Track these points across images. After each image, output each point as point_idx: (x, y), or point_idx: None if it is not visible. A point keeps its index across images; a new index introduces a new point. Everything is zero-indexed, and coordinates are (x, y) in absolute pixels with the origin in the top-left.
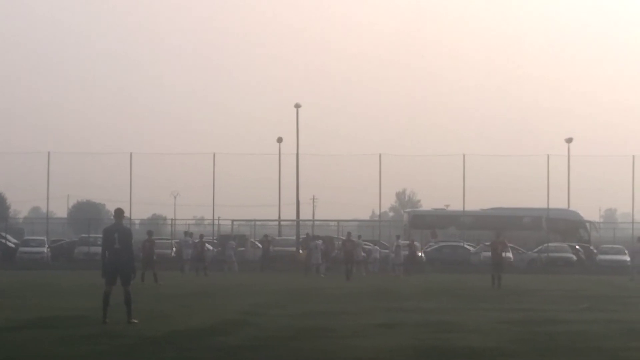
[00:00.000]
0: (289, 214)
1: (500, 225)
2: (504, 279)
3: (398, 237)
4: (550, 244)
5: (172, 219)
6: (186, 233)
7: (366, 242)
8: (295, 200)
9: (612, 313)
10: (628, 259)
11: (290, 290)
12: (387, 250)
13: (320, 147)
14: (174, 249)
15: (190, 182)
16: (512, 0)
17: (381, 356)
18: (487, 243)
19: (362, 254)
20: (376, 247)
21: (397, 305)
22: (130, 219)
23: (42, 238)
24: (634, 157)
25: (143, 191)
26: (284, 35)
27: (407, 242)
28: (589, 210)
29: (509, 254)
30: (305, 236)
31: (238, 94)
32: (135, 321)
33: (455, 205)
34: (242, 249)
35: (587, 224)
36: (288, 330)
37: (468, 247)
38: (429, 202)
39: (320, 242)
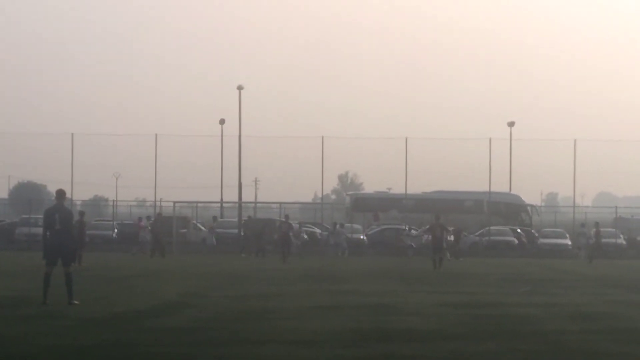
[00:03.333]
0: (231, 196)
1: (442, 208)
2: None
3: (337, 223)
4: (492, 228)
5: (113, 201)
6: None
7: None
8: (237, 182)
9: (553, 296)
10: (569, 242)
11: (231, 272)
12: (326, 233)
13: (263, 129)
14: (116, 230)
15: (132, 163)
16: None
17: (320, 338)
18: (427, 226)
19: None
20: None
21: (337, 287)
22: (71, 200)
23: None
24: (575, 141)
25: (85, 172)
26: (227, 17)
27: (452, 228)
28: (530, 194)
29: (450, 237)
30: (247, 219)
31: (180, 75)
32: (76, 302)
33: (398, 189)
34: (184, 230)
35: (529, 208)
36: (228, 312)
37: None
38: (371, 185)
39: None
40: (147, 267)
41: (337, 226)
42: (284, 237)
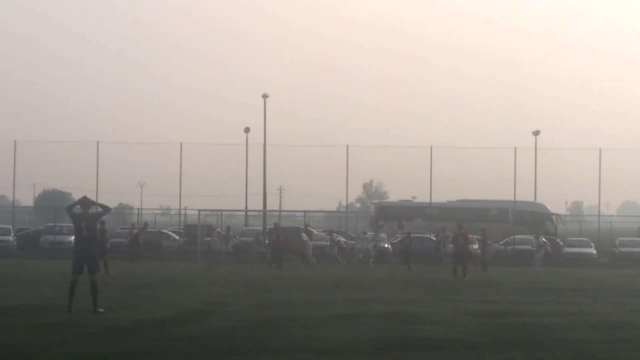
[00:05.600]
0: (256, 204)
1: (466, 217)
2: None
3: (365, 232)
4: (516, 237)
5: (138, 209)
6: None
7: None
8: (262, 191)
9: (577, 305)
10: (594, 252)
11: (254, 281)
12: (353, 242)
13: (288, 138)
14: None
15: (157, 171)
16: None
17: (342, 347)
18: (450, 235)
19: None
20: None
21: (359, 296)
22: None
23: (7, 227)
24: (600, 150)
25: (110, 180)
26: (253, 25)
27: (480, 237)
28: (555, 203)
29: (475, 246)
30: (272, 226)
31: (206, 84)
32: (102, 310)
33: (422, 197)
34: (209, 239)
35: (554, 217)
36: (251, 320)
37: (434, 238)
38: (395, 194)
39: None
40: (170, 275)
41: (364, 234)
42: (275, 243)
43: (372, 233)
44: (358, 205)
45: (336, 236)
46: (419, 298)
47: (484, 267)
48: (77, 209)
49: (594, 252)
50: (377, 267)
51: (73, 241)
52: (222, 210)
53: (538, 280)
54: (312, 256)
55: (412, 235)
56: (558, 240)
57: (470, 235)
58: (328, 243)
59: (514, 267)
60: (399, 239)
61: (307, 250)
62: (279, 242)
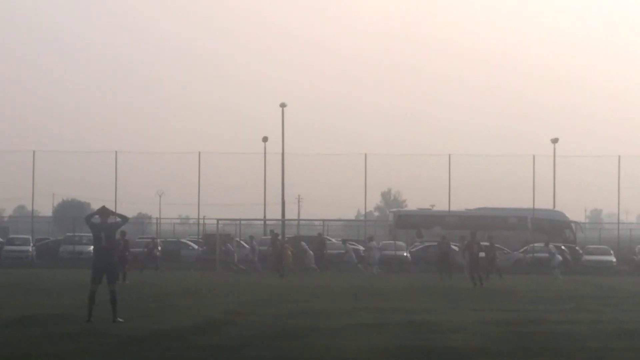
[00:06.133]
0: (274, 213)
1: (485, 225)
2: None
3: (370, 238)
4: (535, 244)
5: (157, 218)
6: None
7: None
8: (280, 200)
9: (598, 313)
10: (614, 259)
11: (274, 289)
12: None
13: (306, 147)
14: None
15: (176, 181)
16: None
17: (364, 356)
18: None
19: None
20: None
21: (380, 305)
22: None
23: (27, 236)
24: (619, 157)
25: (128, 190)
26: (270, 34)
27: (487, 243)
28: (574, 210)
29: (494, 254)
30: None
31: (224, 93)
32: (121, 320)
33: (441, 205)
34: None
35: (573, 225)
36: (271, 330)
37: (454, 247)
38: (414, 202)
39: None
40: (189, 285)
41: (370, 241)
42: (279, 251)
43: (374, 242)
44: (377, 213)
45: (351, 244)
46: (439, 306)
47: (499, 275)
48: (96, 218)
49: (614, 259)
50: (395, 275)
51: (92, 251)
52: (240, 220)
53: (558, 288)
54: (314, 266)
55: (431, 244)
56: (577, 248)
57: (483, 244)
58: (344, 251)
59: (533, 275)
60: (419, 247)
61: (309, 260)
62: (279, 250)
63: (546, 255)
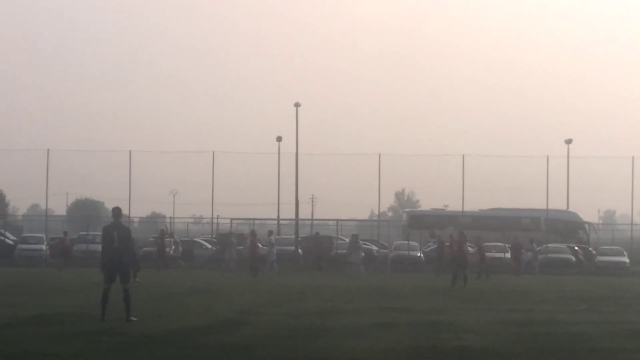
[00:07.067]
0: (288, 213)
1: (498, 225)
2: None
3: (355, 236)
4: (549, 245)
5: (170, 217)
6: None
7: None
8: (294, 200)
9: (610, 315)
10: (627, 260)
11: (286, 289)
12: (385, 250)
13: (320, 147)
14: (173, 247)
15: (189, 180)
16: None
17: (376, 356)
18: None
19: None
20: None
21: (392, 304)
22: (129, 217)
23: (40, 235)
24: (633, 158)
25: (142, 189)
26: (284, 33)
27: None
28: (588, 211)
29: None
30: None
31: (238, 92)
32: (134, 319)
33: (454, 206)
34: (241, 247)
35: (586, 225)
36: (283, 329)
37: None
38: (428, 202)
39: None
40: (203, 284)
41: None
42: (253, 249)
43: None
44: (390, 214)
45: (365, 244)
46: (452, 306)
47: (486, 275)
48: (109, 218)
49: (627, 260)
50: (409, 275)
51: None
52: (254, 219)
53: (570, 289)
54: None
55: (445, 244)
56: (591, 248)
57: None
58: (348, 252)
59: (546, 275)
60: (432, 247)
61: (271, 257)
62: (255, 249)
63: (561, 255)
